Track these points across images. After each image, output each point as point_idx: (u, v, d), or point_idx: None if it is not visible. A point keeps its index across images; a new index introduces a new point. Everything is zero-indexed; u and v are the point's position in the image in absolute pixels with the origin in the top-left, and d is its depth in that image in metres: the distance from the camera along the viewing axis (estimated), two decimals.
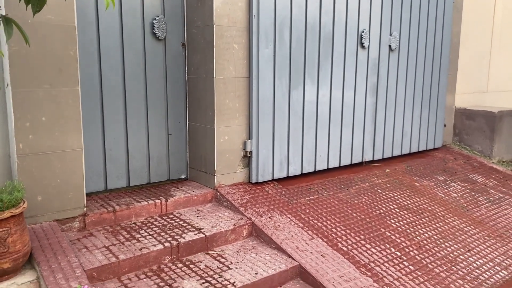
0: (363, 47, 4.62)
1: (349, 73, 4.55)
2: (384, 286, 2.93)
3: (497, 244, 3.77)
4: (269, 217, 3.51)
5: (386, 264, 3.18)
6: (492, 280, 3.24)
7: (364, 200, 4.10)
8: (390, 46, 4.90)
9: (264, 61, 3.84)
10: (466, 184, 4.91)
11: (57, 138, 2.91)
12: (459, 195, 4.60)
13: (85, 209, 3.12)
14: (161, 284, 2.70)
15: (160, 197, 3.56)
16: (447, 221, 3.99)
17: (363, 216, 3.81)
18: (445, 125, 5.96)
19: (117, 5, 3.46)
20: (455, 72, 6.02)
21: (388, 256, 3.29)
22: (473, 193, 4.71)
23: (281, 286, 2.94)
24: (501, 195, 4.80)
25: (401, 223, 3.80)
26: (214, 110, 3.68)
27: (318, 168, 4.46)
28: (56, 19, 2.81)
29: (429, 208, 4.18)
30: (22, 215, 2.52)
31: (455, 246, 3.61)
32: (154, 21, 3.66)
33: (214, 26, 3.56)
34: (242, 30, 3.73)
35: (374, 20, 4.68)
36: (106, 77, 3.48)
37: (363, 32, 4.57)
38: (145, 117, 3.75)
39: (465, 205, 4.40)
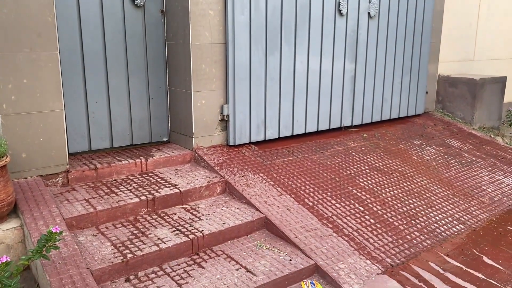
0: (341, 14, 4.73)
1: (327, 40, 4.69)
2: (343, 236, 3.18)
3: (460, 202, 3.99)
4: (243, 176, 3.74)
5: (348, 218, 3.42)
6: (448, 232, 3.47)
7: (337, 161, 4.32)
8: (369, 13, 5.01)
9: (240, 27, 3.99)
10: (441, 148, 5.10)
11: (38, 99, 3.12)
12: (432, 158, 4.80)
13: (67, 166, 3.36)
14: (135, 232, 2.96)
15: (141, 157, 3.79)
16: (415, 181, 4.20)
17: (333, 176, 4.03)
18: (427, 92, 6.10)
19: None
20: (438, 40, 6.11)
21: (351, 211, 3.52)
22: (446, 156, 4.90)
23: (247, 235, 3.19)
24: (474, 159, 4.99)
25: (369, 182, 4.02)
26: (191, 75, 3.86)
27: (295, 133, 4.66)
28: None
29: (399, 169, 4.39)
30: (6, 168, 2.75)
31: (418, 203, 3.83)
32: None
33: None
34: None
35: None
36: (87, 43, 3.66)
37: None
38: (126, 82, 3.94)
39: (436, 167, 4.60)
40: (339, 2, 4.67)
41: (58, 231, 2.26)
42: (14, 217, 2.88)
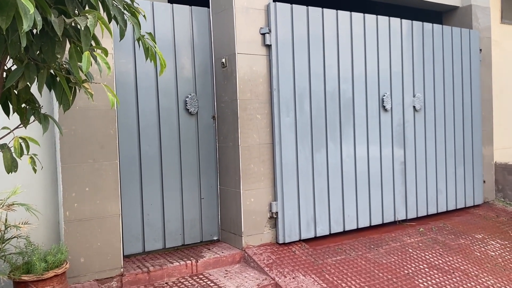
0: (385, 110, 4.83)
1: (373, 135, 4.74)
2: None
3: None
4: (293, 277, 3.64)
5: None
6: None
7: (393, 260, 4.12)
8: (414, 107, 5.07)
9: (285, 128, 4.16)
10: (507, 242, 4.75)
11: (98, 206, 3.33)
12: (497, 253, 4.46)
13: (122, 269, 3.46)
14: None
15: (192, 258, 3.83)
16: (480, 281, 3.89)
17: (389, 276, 3.82)
18: (484, 181, 5.84)
19: (154, 87, 3.99)
20: (490, 127, 5.98)
21: None
22: None
23: None
24: None
25: (430, 283, 3.77)
26: (240, 174, 3.99)
27: (347, 228, 4.56)
28: (99, 104, 3.34)
29: (461, 267, 4.10)
30: (65, 274, 2.89)
31: None
32: (187, 99, 4.15)
33: (238, 100, 3.97)
34: (264, 102, 4.11)
35: (395, 83, 4.91)
36: (144, 149, 3.95)
37: (384, 95, 4.80)
38: (180, 184, 4.13)
39: (503, 264, 4.26)
40: (383, 99, 4.79)
41: None
42: None
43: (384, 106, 4.80)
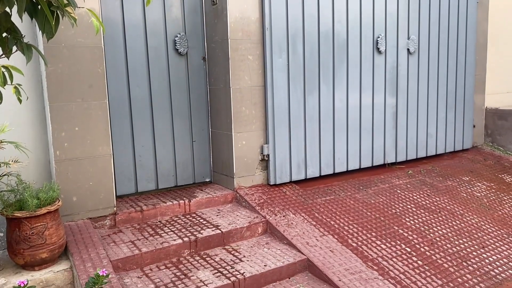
0: (379, 52, 4.75)
1: (366, 78, 4.69)
2: (389, 279, 3.06)
3: None
4: (284, 216, 3.73)
5: (394, 259, 3.30)
6: (503, 275, 3.26)
7: (381, 200, 4.21)
8: (408, 49, 4.99)
9: (278, 70, 4.10)
10: (492, 184, 4.86)
11: (88, 145, 3.31)
12: (483, 194, 4.58)
13: (115, 208, 3.50)
14: (178, 273, 3.00)
15: (184, 198, 3.88)
16: (465, 220, 4.01)
17: (377, 215, 3.93)
18: (474, 126, 5.89)
19: (142, 26, 3.86)
20: (483, 72, 5.95)
21: (397, 252, 3.40)
22: (498, 193, 4.66)
23: (289, 278, 3.14)
24: None
25: (416, 221, 3.88)
26: (232, 117, 3.97)
27: (337, 171, 4.62)
28: (85, 42, 3.23)
29: (448, 207, 4.22)
30: (58, 211, 2.91)
31: (469, 243, 3.64)
32: (176, 39, 4.03)
33: (229, 40, 3.87)
34: (256, 42, 4.01)
35: (389, 25, 4.80)
36: (134, 90, 3.88)
37: (379, 37, 4.71)
38: (171, 126, 4.10)
39: (488, 204, 4.38)
40: (377, 41, 4.70)
41: (104, 274, 2.34)
42: (65, 259, 3.00)
43: (378, 48, 4.72)
